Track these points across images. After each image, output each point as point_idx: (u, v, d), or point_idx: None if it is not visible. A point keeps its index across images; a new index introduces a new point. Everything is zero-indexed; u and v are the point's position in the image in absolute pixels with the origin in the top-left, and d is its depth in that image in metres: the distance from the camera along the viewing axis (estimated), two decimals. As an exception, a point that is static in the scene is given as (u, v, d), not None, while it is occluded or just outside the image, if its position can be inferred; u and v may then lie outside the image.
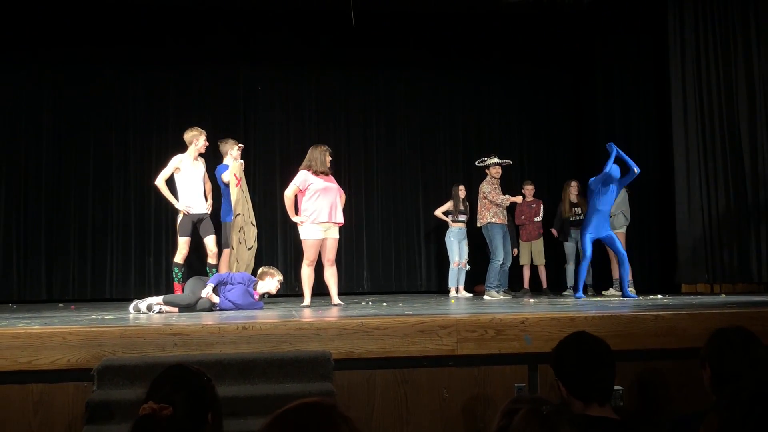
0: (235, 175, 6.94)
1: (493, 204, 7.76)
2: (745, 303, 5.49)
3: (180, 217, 6.79)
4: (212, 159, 7.32)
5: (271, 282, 6.22)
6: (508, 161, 8.18)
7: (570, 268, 8.55)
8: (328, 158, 6.44)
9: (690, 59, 7.90)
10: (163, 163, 7.01)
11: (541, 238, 8.84)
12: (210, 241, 6.82)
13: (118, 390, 3.60)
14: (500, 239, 7.74)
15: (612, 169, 6.94)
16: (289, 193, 6.41)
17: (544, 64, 10.15)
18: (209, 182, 7.03)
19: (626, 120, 8.99)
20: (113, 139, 9.46)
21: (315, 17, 9.07)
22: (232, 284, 5.99)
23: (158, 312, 5.76)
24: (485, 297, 7.64)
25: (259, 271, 6.33)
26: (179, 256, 6.75)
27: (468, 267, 8.68)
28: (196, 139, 6.75)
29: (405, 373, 3.98)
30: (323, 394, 3.54)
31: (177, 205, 6.76)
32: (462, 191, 8.78)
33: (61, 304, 7.83)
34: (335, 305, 6.28)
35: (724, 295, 7.13)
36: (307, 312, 5.49)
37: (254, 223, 7.29)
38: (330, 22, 8.82)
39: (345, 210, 6.68)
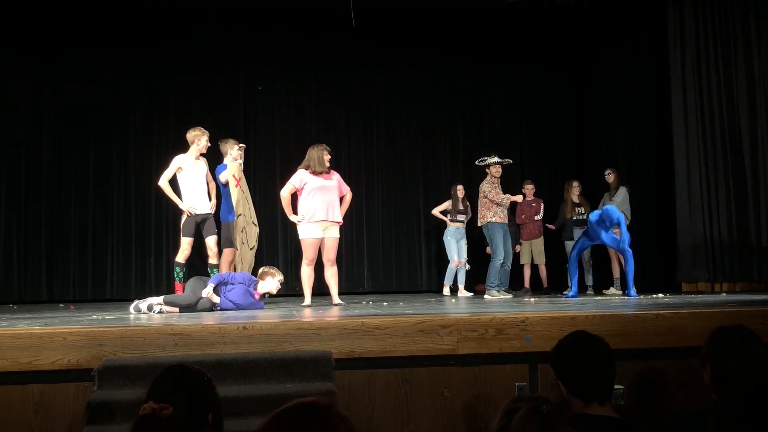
0: (234, 175, 6.94)
1: (493, 203, 7.75)
2: (745, 302, 5.49)
3: (184, 218, 6.78)
4: (213, 159, 7.32)
5: (271, 282, 6.22)
6: (509, 160, 8.18)
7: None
8: (327, 157, 6.43)
9: (690, 59, 7.90)
10: (163, 163, 7.01)
11: (542, 237, 8.86)
12: (211, 241, 6.81)
13: (118, 390, 3.60)
14: (501, 238, 7.73)
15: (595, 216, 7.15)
16: (284, 193, 6.42)
17: (545, 63, 10.15)
18: (212, 181, 7.02)
19: (626, 119, 9.00)
20: (113, 138, 9.47)
21: (315, 16, 9.07)
22: (232, 284, 5.99)
23: (159, 312, 5.76)
24: (486, 296, 7.63)
25: (260, 271, 6.33)
26: (181, 256, 6.74)
27: (468, 266, 8.68)
28: (198, 139, 6.74)
29: (406, 372, 3.97)
30: (324, 393, 3.55)
31: (181, 205, 6.74)
32: (461, 191, 8.79)
33: (61, 305, 7.83)
34: (336, 305, 6.27)
35: (724, 294, 7.13)
36: (307, 312, 5.49)
37: (256, 222, 7.30)
38: (330, 22, 8.82)
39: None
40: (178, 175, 6.74)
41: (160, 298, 5.95)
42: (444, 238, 8.75)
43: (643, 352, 4.12)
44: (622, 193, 8.12)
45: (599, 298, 7.29)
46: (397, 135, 10.15)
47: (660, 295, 7.06)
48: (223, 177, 6.96)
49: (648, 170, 8.76)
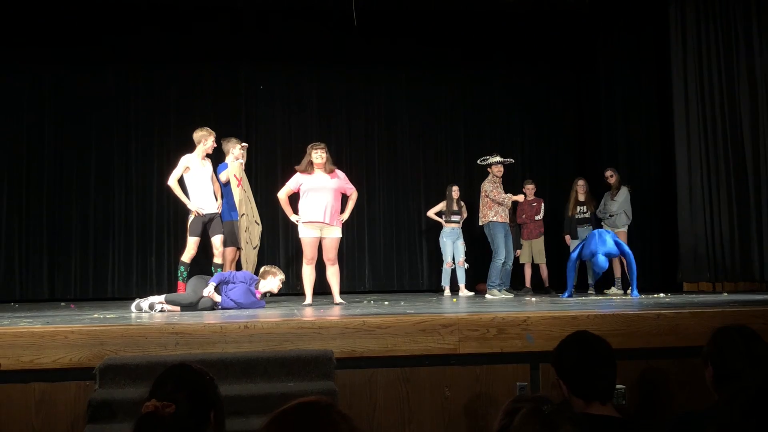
0: (235, 175, 6.93)
1: (494, 203, 7.75)
2: (747, 301, 5.49)
3: (191, 217, 6.78)
4: (214, 158, 7.32)
5: (273, 281, 6.22)
6: (510, 160, 8.17)
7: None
8: (320, 153, 6.33)
9: (691, 57, 7.90)
10: (165, 162, 7.01)
11: (542, 236, 8.83)
12: (217, 240, 6.81)
13: (120, 389, 3.61)
14: (502, 238, 7.73)
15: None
16: (280, 195, 6.51)
17: (546, 62, 10.13)
18: (217, 182, 7.03)
19: (628, 118, 8.98)
20: (115, 138, 9.47)
21: (317, 15, 9.07)
22: (233, 283, 5.99)
23: (160, 311, 5.77)
24: (487, 296, 7.63)
25: (261, 270, 6.33)
26: (186, 256, 6.72)
27: (466, 265, 8.67)
28: (205, 140, 6.74)
29: (407, 371, 3.98)
30: (325, 393, 3.54)
31: (189, 205, 6.73)
32: (456, 192, 8.81)
33: (63, 303, 7.84)
34: (337, 304, 6.28)
35: (726, 294, 7.13)
36: (308, 311, 5.49)
37: (258, 221, 7.30)
38: (332, 21, 8.82)
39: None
40: (185, 175, 6.73)
41: (162, 297, 5.95)
42: (440, 239, 8.77)
43: (645, 352, 4.12)
44: (624, 192, 8.11)
45: (600, 297, 7.28)
46: (398, 134, 10.14)
47: (661, 294, 7.05)
48: (223, 176, 6.96)
49: (649, 170, 8.75)
